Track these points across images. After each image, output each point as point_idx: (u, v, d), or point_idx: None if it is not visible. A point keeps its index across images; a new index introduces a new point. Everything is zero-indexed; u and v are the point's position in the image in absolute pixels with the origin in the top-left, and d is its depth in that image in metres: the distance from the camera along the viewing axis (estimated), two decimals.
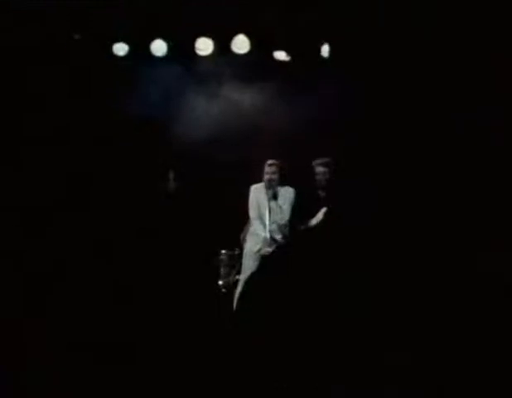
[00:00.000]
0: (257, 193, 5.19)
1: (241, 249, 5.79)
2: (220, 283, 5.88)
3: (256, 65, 6.19)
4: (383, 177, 5.51)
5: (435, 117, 5.62)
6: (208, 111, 6.34)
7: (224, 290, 5.81)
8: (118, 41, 5.98)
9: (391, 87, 5.78)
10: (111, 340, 4.22)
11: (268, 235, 5.07)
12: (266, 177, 5.15)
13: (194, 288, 5.44)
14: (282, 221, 5.10)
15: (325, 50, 5.94)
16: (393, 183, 5.44)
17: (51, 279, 5.10)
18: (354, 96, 5.89)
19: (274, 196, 5.12)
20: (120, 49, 6.02)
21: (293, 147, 5.80)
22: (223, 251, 5.95)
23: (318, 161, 5.17)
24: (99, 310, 4.71)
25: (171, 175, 6.09)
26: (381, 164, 5.68)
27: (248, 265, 5.14)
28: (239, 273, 5.69)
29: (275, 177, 5.13)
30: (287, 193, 5.17)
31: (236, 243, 5.78)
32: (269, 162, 5.16)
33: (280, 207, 5.10)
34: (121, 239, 5.60)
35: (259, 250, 5.11)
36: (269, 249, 5.01)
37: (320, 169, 5.13)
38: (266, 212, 5.12)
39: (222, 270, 5.93)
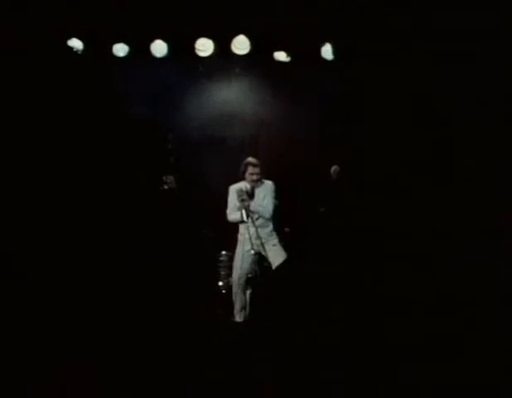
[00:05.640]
0: (237, 193, 5.17)
1: None
2: (220, 284, 5.87)
3: (256, 66, 6.19)
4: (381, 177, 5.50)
5: (435, 117, 5.61)
6: (208, 112, 6.34)
7: (224, 291, 5.80)
8: (118, 41, 5.97)
9: (392, 88, 5.76)
10: (111, 340, 4.22)
11: (253, 230, 4.99)
12: (250, 177, 5.13)
13: (194, 289, 5.44)
14: (267, 214, 5.11)
15: (325, 50, 5.92)
16: (395, 183, 5.43)
17: (50, 277, 5.09)
18: (354, 97, 5.88)
19: (253, 193, 5.12)
20: (120, 49, 6.01)
21: (293, 147, 5.80)
22: (223, 252, 5.94)
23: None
24: (98, 310, 4.70)
25: (171, 175, 6.08)
26: (380, 165, 5.67)
27: (240, 265, 5.12)
28: None
29: (260, 177, 5.16)
30: (268, 187, 5.18)
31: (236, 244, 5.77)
32: (252, 161, 5.15)
33: (262, 200, 5.12)
34: (121, 238, 5.59)
35: (250, 249, 5.06)
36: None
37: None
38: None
39: (222, 271, 5.92)
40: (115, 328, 4.41)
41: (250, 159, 5.16)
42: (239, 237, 5.20)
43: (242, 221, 5.01)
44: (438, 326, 3.99)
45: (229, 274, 5.79)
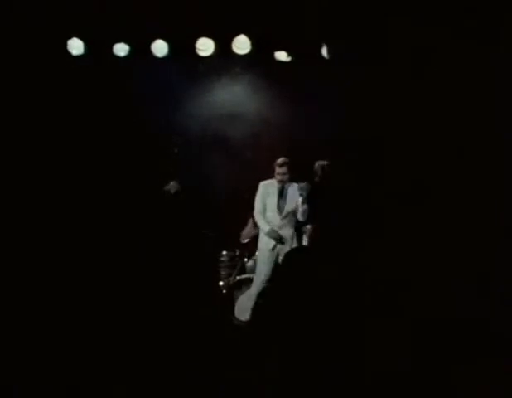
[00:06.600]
0: (266, 190, 5.17)
1: (241, 249, 5.79)
2: (221, 284, 5.87)
3: (257, 66, 6.19)
4: (382, 179, 5.49)
5: (434, 118, 5.60)
6: (209, 112, 6.34)
7: (224, 291, 5.80)
8: (118, 41, 5.97)
9: (392, 89, 5.75)
10: (111, 340, 4.21)
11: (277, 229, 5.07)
12: (278, 177, 5.13)
13: (194, 289, 5.42)
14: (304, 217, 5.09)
15: (325, 50, 5.91)
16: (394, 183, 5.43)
17: (50, 277, 5.10)
18: (354, 97, 5.87)
19: (283, 194, 5.12)
20: (121, 49, 6.00)
21: (294, 147, 5.79)
22: (224, 252, 5.94)
23: (321, 162, 5.21)
24: (98, 310, 4.70)
25: (172, 175, 6.08)
26: (381, 166, 5.66)
27: (263, 265, 5.14)
28: (239, 273, 5.69)
29: (287, 177, 5.12)
30: (297, 191, 5.16)
31: (237, 244, 5.78)
32: (280, 161, 5.13)
33: (291, 204, 5.11)
34: (121, 238, 5.59)
35: (274, 248, 5.08)
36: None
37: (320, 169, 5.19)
38: (275, 208, 5.12)
39: (223, 271, 5.92)
40: (115, 328, 4.41)
41: (279, 159, 5.13)
42: (262, 239, 5.21)
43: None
44: (438, 326, 3.99)
45: (230, 274, 5.80)
